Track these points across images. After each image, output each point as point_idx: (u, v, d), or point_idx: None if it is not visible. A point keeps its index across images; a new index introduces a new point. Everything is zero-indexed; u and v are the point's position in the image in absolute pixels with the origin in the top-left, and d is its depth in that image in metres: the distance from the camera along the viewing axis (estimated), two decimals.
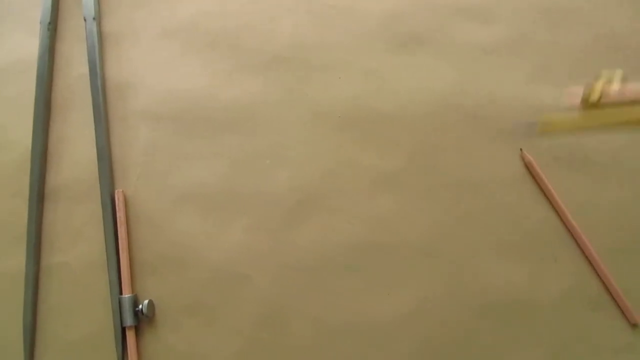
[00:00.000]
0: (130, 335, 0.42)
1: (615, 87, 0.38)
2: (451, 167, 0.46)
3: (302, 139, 0.46)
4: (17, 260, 0.43)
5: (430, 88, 0.48)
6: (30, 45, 0.47)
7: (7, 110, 0.46)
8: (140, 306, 0.42)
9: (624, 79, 0.38)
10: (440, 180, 0.46)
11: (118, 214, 0.44)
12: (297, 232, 0.45)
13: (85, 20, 0.47)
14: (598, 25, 0.50)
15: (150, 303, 0.42)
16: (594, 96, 0.39)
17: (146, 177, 0.45)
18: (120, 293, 0.42)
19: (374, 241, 0.45)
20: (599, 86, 0.39)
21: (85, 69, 0.46)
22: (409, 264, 0.44)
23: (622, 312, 0.44)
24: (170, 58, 0.47)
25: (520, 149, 0.47)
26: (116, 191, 0.44)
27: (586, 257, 0.45)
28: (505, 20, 0.50)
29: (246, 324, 0.43)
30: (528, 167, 0.46)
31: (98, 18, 0.47)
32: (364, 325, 0.43)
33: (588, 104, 0.39)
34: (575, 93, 0.41)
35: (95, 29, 0.46)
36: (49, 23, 0.46)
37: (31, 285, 0.43)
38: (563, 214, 0.45)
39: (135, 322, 0.42)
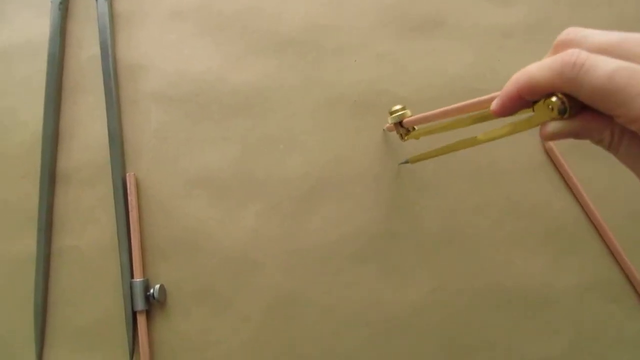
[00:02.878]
0: (141, 320, 0.41)
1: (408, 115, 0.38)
2: (468, 153, 0.45)
3: (316, 124, 0.45)
4: (27, 243, 0.43)
5: (446, 72, 0.47)
6: (40, 26, 0.46)
7: (18, 91, 0.46)
8: (152, 290, 0.41)
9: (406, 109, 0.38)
10: (456, 167, 0.45)
11: (129, 198, 0.43)
12: (311, 218, 0.44)
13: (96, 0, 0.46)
14: (621, 5, 0.48)
15: (162, 288, 0.42)
16: (400, 130, 0.39)
17: (158, 160, 0.45)
18: (132, 277, 0.42)
19: (389, 228, 0.44)
20: (395, 120, 0.38)
21: (96, 50, 0.46)
22: (424, 252, 0.44)
23: None
24: (181, 39, 0.46)
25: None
26: (128, 174, 0.44)
27: (607, 246, 0.44)
28: (525, 2, 0.48)
29: (257, 311, 0.42)
30: (549, 154, 0.45)
31: None
32: (376, 314, 0.43)
33: (408, 135, 0.39)
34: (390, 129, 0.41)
35: (106, 9, 0.46)
36: (60, 3, 0.46)
37: (42, 269, 0.42)
38: (584, 203, 0.44)
39: (147, 306, 0.41)
